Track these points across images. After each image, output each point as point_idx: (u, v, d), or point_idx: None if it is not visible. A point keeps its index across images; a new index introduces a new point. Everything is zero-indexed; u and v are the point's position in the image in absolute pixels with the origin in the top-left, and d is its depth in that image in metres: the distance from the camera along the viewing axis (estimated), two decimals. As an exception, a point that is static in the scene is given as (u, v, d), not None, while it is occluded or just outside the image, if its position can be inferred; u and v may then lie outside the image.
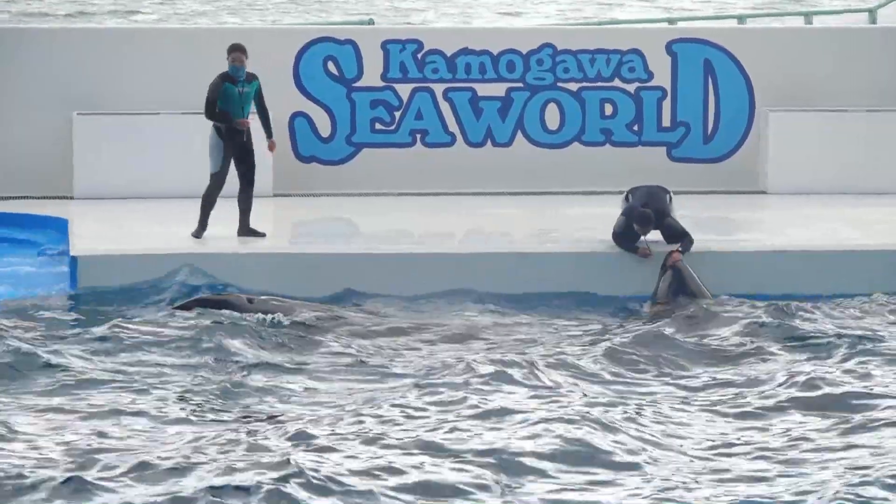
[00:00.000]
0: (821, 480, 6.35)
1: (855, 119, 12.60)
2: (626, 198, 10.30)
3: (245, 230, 11.04)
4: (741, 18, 18.24)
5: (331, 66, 12.31)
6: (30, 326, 9.91)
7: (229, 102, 10.89)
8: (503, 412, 7.56)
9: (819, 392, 8.09)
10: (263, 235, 11.28)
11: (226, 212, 11.06)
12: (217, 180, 10.82)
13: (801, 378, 8.18)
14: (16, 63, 12.77)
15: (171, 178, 12.07)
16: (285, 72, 12.30)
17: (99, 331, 9.58)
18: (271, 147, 11.11)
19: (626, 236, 10.04)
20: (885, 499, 5.80)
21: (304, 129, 12.29)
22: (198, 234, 11.03)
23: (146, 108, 12.41)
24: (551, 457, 6.75)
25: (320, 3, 35.22)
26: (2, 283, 10.80)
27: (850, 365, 8.68)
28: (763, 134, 12.45)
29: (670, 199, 10.28)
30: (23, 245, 11.54)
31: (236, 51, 11.21)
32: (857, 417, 7.41)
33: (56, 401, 7.89)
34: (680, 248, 10.03)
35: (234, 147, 10.95)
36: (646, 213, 10.00)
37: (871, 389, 8.07)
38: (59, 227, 11.25)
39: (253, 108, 11.01)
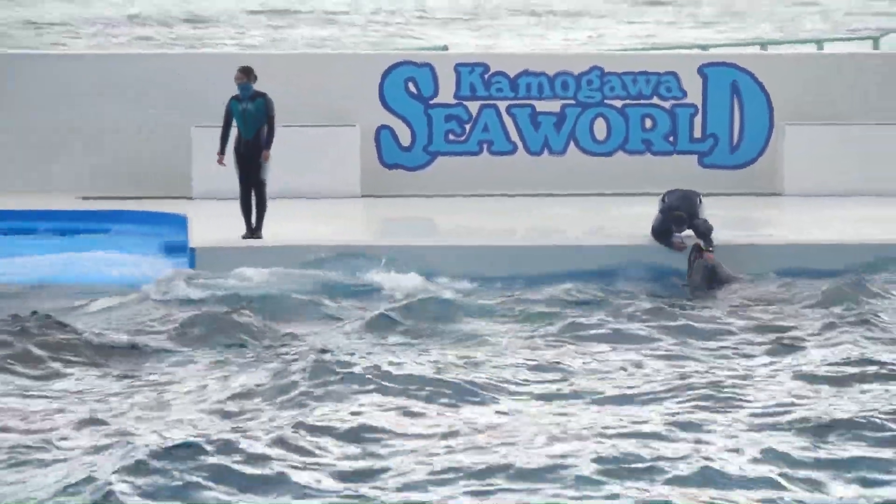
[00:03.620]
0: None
1: (860, 132, 13.61)
2: (663, 199, 11.33)
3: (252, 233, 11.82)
4: (763, 45, 19.49)
5: (411, 86, 13.46)
6: (155, 306, 10.95)
7: (234, 117, 11.66)
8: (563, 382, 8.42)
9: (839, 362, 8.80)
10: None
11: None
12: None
13: (834, 350, 9.11)
14: (143, 83, 13.85)
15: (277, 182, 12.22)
16: (373, 91, 13.41)
17: (212, 311, 10.45)
18: (265, 157, 11.59)
19: (663, 232, 11.10)
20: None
21: (387, 140, 13.41)
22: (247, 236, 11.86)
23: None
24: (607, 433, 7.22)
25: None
26: (130, 270, 11.70)
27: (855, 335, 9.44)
28: (780, 145, 13.53)
29: (700, 200, 11.29)
30: (149, 237, 12.58)
31: (238, 71, 11.85)
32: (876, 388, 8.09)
33: (175, 370, 8.87)
34: (711, 248, 11.04)
35: (236, 159, 11.65)
36: (680, 215, 11.11)
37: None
38: (179, 222, 12.13)
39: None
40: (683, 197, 11.42)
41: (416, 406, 8.18)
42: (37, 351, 9.67)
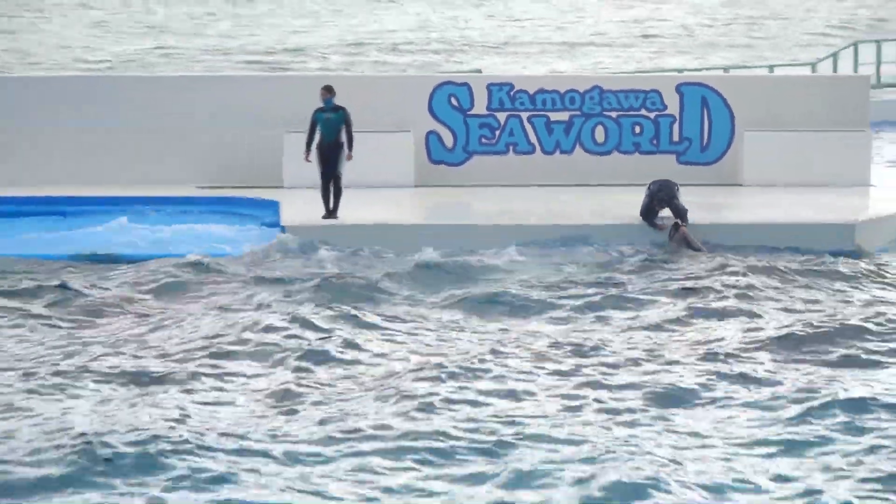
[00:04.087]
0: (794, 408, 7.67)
1: (802, 136, 14.93)
2: (649, 187, 12.56)
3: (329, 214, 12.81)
4: (726, 69, 20.94)
5: (453, 100, 14.92)
6: (253, 271, 12.09)
7: (318, 125, 12.75)
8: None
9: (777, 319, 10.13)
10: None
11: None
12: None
13: (773, 314, 10.25)
14: (248, 101, 15.15)
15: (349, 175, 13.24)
16: (423, 104, 14.87)
17: (299, 274, 11.76)
18: (348, 158, 12.67)
19: (648, 212, 12.41)
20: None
21: (434, 143, 14.80)
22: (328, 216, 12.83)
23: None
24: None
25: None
26: (231, 245, 12.97)
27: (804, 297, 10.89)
28: (740, 147, 14.77)
29: (677, 188, 12.59)
30: (248, 218, 13.89)
31: (322, 89, 13.05)
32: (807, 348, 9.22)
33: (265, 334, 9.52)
34: (685, 225, 12.27)
35: (319, 156, 12.74)
36: (662, 197, 12.37)
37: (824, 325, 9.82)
38: (274, 206, 13.50)
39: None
40: (665, 185, 12.65)
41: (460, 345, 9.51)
42: (155, 303, 11.05)
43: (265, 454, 6.96)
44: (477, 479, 6.47)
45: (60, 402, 8.22)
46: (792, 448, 7.17)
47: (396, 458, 6.77)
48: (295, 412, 8.04)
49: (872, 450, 7.20)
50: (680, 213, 12.43)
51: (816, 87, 16.44)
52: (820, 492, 6.39)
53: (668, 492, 6.26)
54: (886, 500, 6.40)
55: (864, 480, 6.70)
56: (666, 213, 12.44)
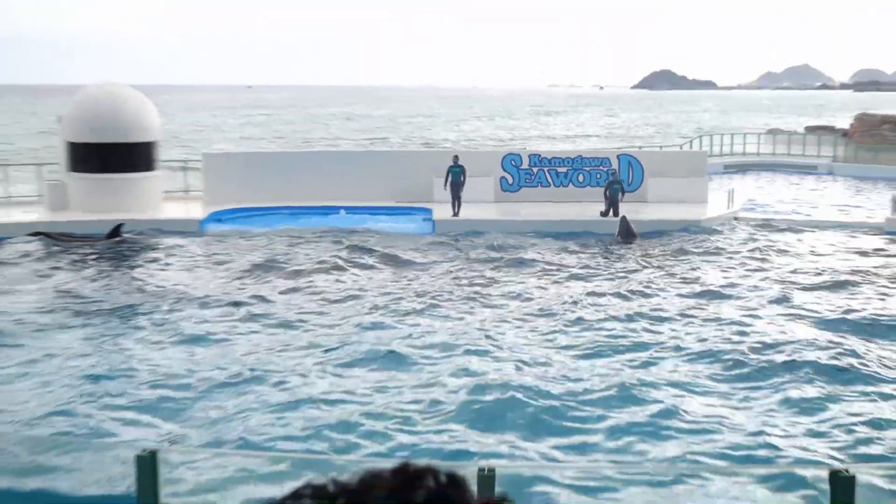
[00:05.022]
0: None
1: (676, 179, 24.79)
2: (605, 193, 22.82)
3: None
4: (640, 147, 34.54)
5: (512, 161, 25.54)
6: (420, 241, 20.81)
7: (450, 173, 22.42)
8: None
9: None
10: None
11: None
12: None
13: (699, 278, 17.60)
14: (412, 163, 26.31)
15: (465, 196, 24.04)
16: (498, 163, 25.70)
17: (443, 240, 21.18)
18: (462, 191, 22.61)
19: (604, 213, 22.58)
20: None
21: (503, 181, 25.28)
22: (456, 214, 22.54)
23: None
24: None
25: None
26: (410, 228, 21.98)
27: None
28: (647, 183, 24.77)
29: (623, 193, 22.77)
30: (417, 216, 23.02)
31: (454, 155, 23.05)
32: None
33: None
34: (624, 215, 21.17)
35: (450, 185, 21.89)
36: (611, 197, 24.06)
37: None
38: (429, 211, 22.85)
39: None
40: (613, 192, 23.29)
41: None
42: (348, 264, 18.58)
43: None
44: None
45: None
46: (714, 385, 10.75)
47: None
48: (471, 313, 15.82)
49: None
50: (617, 210, 23.22)
51: (683, 161, 27.35)
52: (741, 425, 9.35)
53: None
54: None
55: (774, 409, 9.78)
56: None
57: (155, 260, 19.42)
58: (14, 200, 24.44)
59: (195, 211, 23.83)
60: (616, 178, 23.47)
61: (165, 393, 10.52)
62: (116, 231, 20.79)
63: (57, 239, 20.51)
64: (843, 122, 49.89)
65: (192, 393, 10.46)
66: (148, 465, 5.84)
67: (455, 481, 0.69)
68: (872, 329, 13.43)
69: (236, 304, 14.91)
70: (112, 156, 22.75)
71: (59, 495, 7.49)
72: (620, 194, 22.67)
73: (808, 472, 7.78)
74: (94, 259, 18.91)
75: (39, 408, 9.88)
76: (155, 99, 26.24)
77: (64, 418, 9.62)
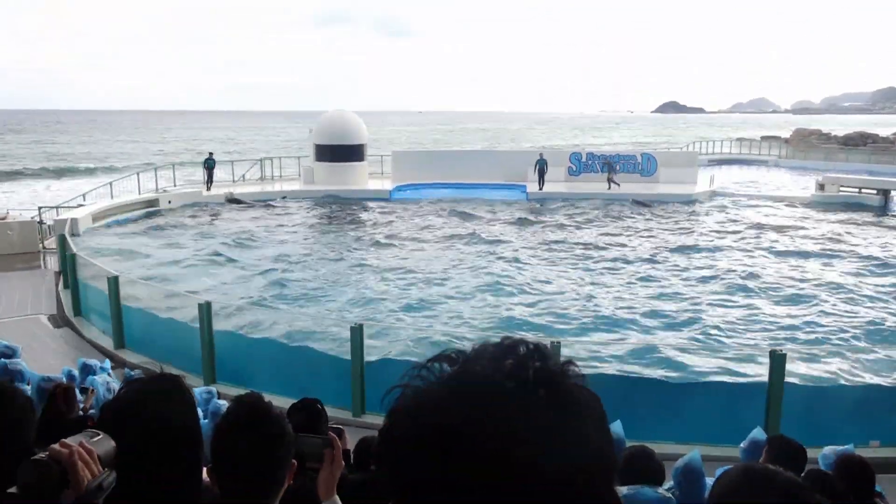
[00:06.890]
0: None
1: (679, 167, 37.21)
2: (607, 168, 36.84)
3: None
4: (656, 148, 51.67)
5: (576, 157, 39.74)
6: (514, 207, 33.75)
7: (537, 165, 36.18)
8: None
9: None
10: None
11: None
12: None
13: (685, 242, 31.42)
14: (511, 157, 41.21)
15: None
16: (566, 158, 39.56)
17: (533, 205, 35.25)
18: (546, 172, 38.37)
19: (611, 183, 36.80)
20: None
21: (571, 169, 38.76)
22: None
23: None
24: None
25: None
26: (510, 199, 35.02)
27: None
28: (660, 171, 37.79)
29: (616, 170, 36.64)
30: (516, 190, 36.37)
31: (539, 154, 36.28)
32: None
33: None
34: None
35: (538, 171, 36.33)
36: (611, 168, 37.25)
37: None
38: (524, 187, 35.70)
39: None
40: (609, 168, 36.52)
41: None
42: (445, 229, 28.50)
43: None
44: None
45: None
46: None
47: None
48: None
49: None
50: (614, 175, 36.02)
51: (682, 157, 39.25)
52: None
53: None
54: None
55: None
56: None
57: (367, 209, 33.40)
58: (284, 176, 40.35)
59: (387, 185, 36.52)
60: (610, 164, 35.97)
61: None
62: (235, 200, 30.25)
63: (241, 202, 30.81)
64: (786, 133, 77.69)
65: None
66: (357, 333, 7.19)
67: (541, 349, 0.83)
68: (786, 255, 22.01)
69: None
70: (340, 152, 35.86)
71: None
72: (612, 172, 35.05)
73: (754, 351, 10.91)
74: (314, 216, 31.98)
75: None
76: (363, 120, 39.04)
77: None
